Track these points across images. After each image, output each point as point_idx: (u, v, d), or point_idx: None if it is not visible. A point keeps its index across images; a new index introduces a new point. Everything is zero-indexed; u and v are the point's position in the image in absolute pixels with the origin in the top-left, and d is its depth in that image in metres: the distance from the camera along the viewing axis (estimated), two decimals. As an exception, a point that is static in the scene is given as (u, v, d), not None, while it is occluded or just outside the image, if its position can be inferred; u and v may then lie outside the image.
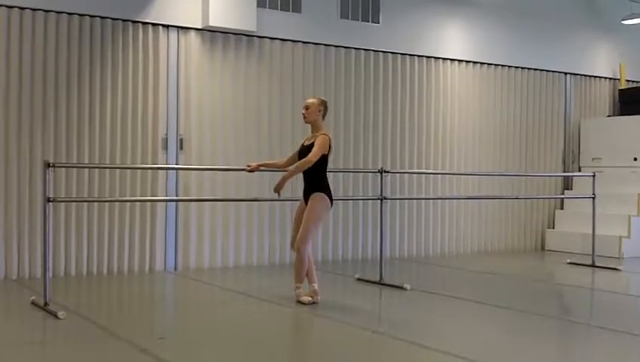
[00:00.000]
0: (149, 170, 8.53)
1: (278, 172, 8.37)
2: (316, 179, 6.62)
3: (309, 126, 6.80)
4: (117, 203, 8.38)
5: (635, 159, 11.42)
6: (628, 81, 12.62)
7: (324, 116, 6.77)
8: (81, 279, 8.06)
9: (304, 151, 6.68)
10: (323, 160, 6.61)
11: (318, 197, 6.58)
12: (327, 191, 6.64)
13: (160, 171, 8.59)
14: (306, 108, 6.72)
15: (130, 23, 8.50)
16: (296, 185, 7.05)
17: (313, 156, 6.51)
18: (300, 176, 6.75)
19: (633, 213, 10.93)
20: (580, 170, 12.13)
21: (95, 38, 8.30)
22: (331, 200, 6.66)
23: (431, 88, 10.70)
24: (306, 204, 6.64)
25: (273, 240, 9.37)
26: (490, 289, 7.97)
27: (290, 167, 6.74)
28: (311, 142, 6.65)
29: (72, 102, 8.18)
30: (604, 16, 12.33)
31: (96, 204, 8.25)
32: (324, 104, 6.77)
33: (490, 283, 8.45)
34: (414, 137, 10.51)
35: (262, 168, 7.19)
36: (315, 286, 6.66)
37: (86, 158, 8.23)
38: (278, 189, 6.59)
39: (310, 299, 6.59)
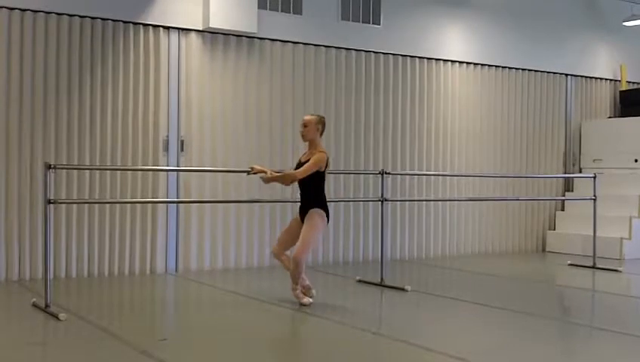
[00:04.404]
0: (150, 172, 8.53)
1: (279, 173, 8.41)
2: (314, 195, 6.62)
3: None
4: (118, 204, 8.37)
5: (636, 160, 11.42)
6: (629, 82, 12.62)
7: (322, 133, 6.73)
8: (82, 281, 8.06)
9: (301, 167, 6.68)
10: (320, 176, 6.62)
11: (316, 214, 6.57)
12: (324, 207, 6.64)
13: (161, 173, 8.59)
14: (304, 125, 6.66)
15: (130, 24, 8.50)
16: (285, 187, 7.05)
17: (300, 173, 6.51)
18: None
19: (634, 214, 10.93)
20: (580, 172, 12.13)
21: (96, 40, 8.31)
22: (328, 216, 6.66)
23: (431, 90, 10.70)
24: (302, 218, 6.63)
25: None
26: (491, 291, 7.96)
27: (278, 173, 6.74)
28: (307, 158, 6.64)
29: (72, 104, 8.18)
30: (604, 17, 12.33)
31: (96, 205, 8.25)
32: (321, 121, 6.72)
33: (491, 285, 8.44)
34: (415, 139, 10.51)
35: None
36: (307, 282, 6.73)
37: (87, 160, 8.23)
38: (253, 171, 6.88)
39: (311, 299, 6.60)
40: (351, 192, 9.91)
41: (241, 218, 9.13)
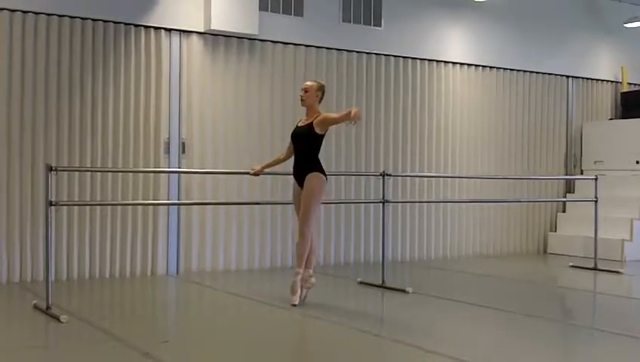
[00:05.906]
0: (151, 174, 8.54)
1: (280, 175, 8.42)
2: (311, 159, 6.65)
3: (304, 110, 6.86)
4: (119, 206, 8.38)
5: (638, 162, 11.41)
6: (630, 84, 12.62)
7: (320, 100, 6.81)
8: (83, 282, 8.06)
9: (299, 132, 6.73)
10: (321, 140, 6.68)
11: (314, 177, 6.60)
12: (321, 169, 6.67)
13: (162, 175, 8.59)
14: (305, 91, 6.75)
15: (132, 26, 8.51)
16: (287, 188, 7.04)
17: (333, 117, 6.62)
18: (286, 176, 6.75)
19: (635, 216, 10.92)
20: (582, 173, 12.12)
21: (97, 42, 8.31)
22: (326, 176, 6.69)
23: (433, 91, 10.71)
24: (300, 185, 6.66)
25: (275, 243, 9.36)
26: (492, 293, 7.96)
27: (334, 115, 6.72)
28: (307, 122, 6.70)
29: (74, 106, 8.19)
30: (606, 19, 12.33)
31: (98, 207, 8.26)
32: (322, 88, 6.81)
33: (492, 287, 8.44)
34: (416, 140, 10.51)
35: (265, 170, 7.20)
36: (311, 271, 6.71)
37: (88, 162, 8.23)
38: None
39: (297, 301, 6.57)
40: (352, 194, 9.91)
41: (243, 220, 9.13)
